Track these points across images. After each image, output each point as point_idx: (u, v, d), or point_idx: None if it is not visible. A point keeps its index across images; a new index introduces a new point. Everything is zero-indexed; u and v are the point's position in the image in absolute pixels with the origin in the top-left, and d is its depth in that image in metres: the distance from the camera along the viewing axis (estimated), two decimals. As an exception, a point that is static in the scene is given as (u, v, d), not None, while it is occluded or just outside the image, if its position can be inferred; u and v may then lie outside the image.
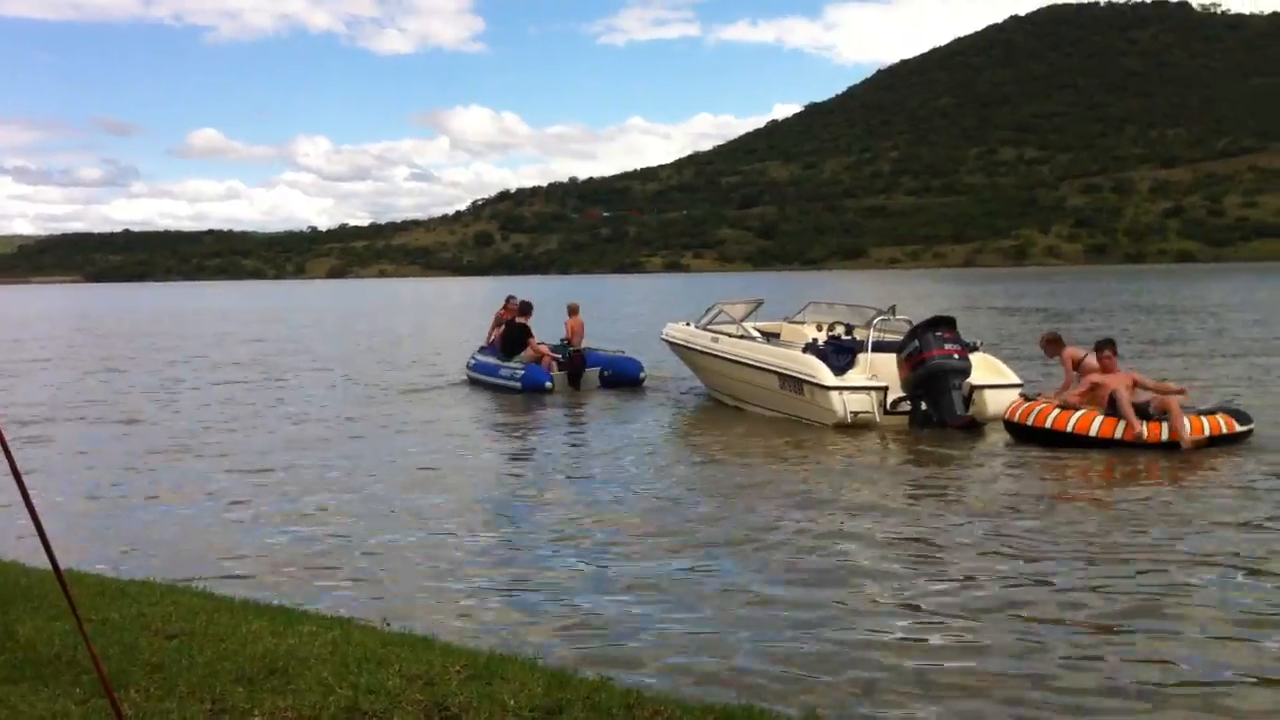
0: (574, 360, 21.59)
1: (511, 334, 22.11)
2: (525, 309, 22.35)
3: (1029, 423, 13.73)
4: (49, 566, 7.18)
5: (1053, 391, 14.83)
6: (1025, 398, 14.56)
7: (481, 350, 23.42)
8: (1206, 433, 13.07)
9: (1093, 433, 13.20)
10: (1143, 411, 13.27)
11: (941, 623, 7.09)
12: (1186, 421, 12.98)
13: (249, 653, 5.40)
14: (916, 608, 7.42)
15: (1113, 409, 13.27)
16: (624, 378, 21.47)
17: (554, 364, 21.41)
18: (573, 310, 22.69)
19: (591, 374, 21.61)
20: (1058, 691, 5.89)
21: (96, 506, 11.51)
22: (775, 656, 6.51)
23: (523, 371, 20.90)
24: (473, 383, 22.39)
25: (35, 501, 4.11)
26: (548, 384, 20.51)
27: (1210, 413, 13.48)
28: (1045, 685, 5.99)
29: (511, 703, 4.81)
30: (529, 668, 5.45)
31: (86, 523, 10.67)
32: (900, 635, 6.86)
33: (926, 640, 6.77)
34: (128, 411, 19.47)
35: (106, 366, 29.89)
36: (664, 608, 7.54)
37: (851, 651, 6.57)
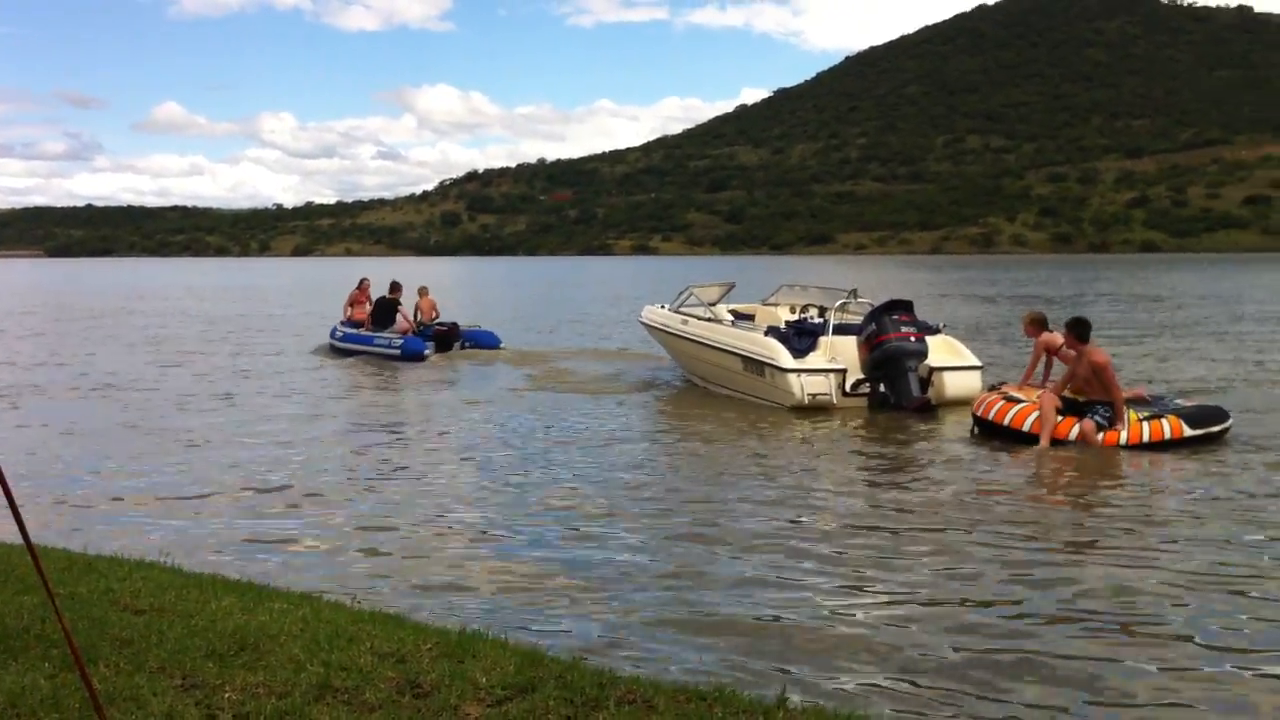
0: (449, 335, 24.65)
1: (384, 309, 24.89)
2: (396, 288, 25.07)
3: (990, 418, 13.50)
4: (13, 541, 7.13)
5: (1018, 380, 14.88)
6: (992, 388, 14.45)
7: (343, 324, 26.01)
8: (1145, 438, 12.65)
9: (1026, 428, 12.92)
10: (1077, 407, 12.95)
11: (900, 605, 7.15)
12: (1124, 429, 12.67)
13: (219, 629, 5.37)
14: (874, 592, 7.47)
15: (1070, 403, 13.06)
16: (483, 348, 24.72)
17: (432, 336, 24.28)
18: (422, 292, 25.91)
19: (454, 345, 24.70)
20: (1009, 677, 5.96)
21: (61, 480, 11.42)
22: (742, 639, 6.54)
23: (400, 341, 23.46)
24: (340, 352, 24.90)
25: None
26: (426, 352, 23.30)
27: (1156, 416, 12.93)
28: (997, 671, 6.06)
29: (484, 680, 4.81)
30: (500, 647, 5.44)
31: (50, 497, 10.60)
32: (860, 618, 6.90)
33: (887, 624, 6.81)
34: (93, 386, 19.35)
35: (75, 342, 29.62)
36: (629, 590, 7.55)
37: (815, 635, 6.61)
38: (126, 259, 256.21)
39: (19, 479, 11.09)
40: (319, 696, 4.56)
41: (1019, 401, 13.38)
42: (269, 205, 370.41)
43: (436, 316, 25.76)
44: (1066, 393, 13.14)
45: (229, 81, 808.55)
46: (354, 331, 25.10)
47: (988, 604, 7.18)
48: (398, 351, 23.16)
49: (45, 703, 4.33)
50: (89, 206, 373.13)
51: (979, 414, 13.73)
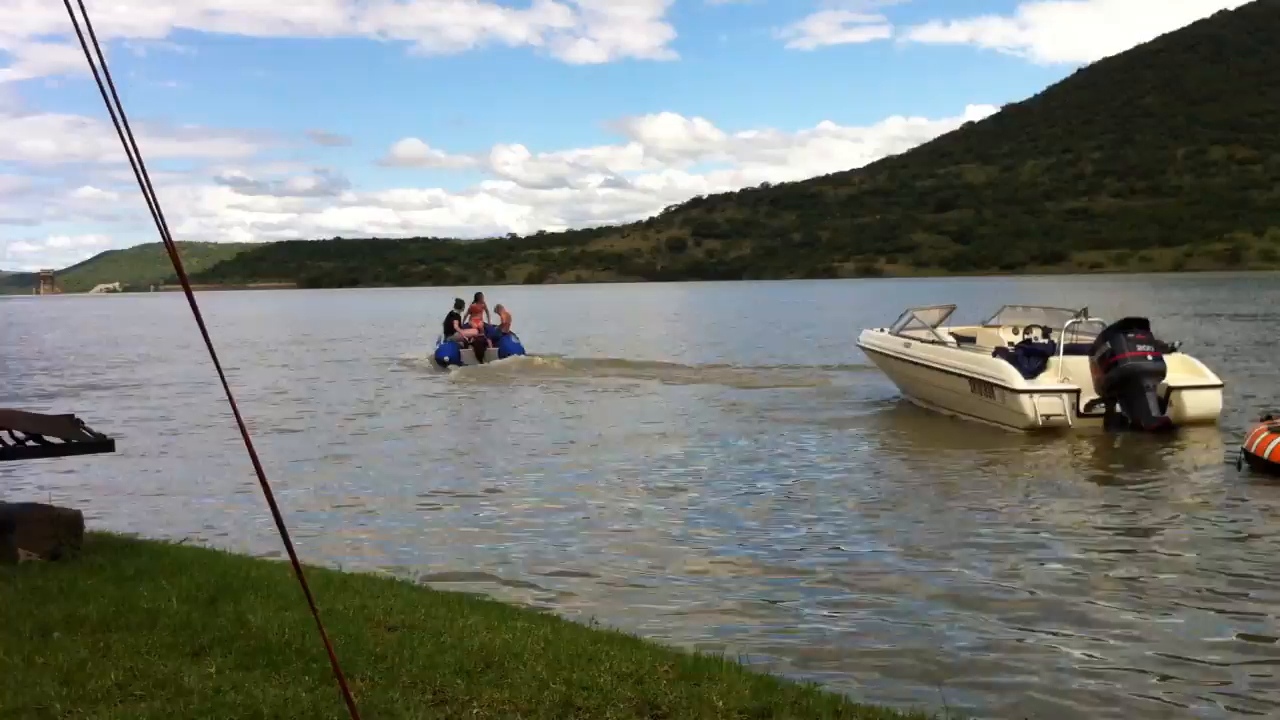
0: (481, 343, 29.57)
1: (447, 320, 30.54)
2: (459, 304, 30.82)
3: (1258, 452, 12.14)
4: (274, 558, 7.54)
5: None
6: (1265, 418, 13.09)
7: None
8: None
9: None
10: None
11: (1138, 660, 6.85)
12: None
13: (466, 646, 5.53)
14: (1114, 638, 7.18)
15: None
16: (512, 354, 29.37)
17: (468, 344, 29.47)
18: (499, 309, 30.91)
19: (491, 352, 29.42)
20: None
21: (315, 503, 11.99)
22: (980, 675, 6.44)
23: (438, 347, 30.02)
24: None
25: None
26: (445, 358, 29.16)
27: None
28: None
29: (720, 704, 4.82)
30: (736, 670, 5.46)
31: (306, 518, 11.12)
32: (1095, 667, 6.69)
33: (1124, 678, 6.57)
34: (354, 412, 20.34)
35: (341, 370, 31.18)
36: (865, 614, 7.53)
37: (1048, 681, 6.43)
38: (372, 289, 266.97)
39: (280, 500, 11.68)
40: (562, 715, 4.65)
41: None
42: (504, 235, 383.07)
43: (508, 323, 30.64)
44: None
45: (464, 117, 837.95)
46: (439, 337, 31.11)
47: (1229, 666, 6.85)
48: (437, 356, 29.74)
49: (306, 714, 4.52)
50: (337, 239, 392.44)
51: (1248, 448, 12.46)
